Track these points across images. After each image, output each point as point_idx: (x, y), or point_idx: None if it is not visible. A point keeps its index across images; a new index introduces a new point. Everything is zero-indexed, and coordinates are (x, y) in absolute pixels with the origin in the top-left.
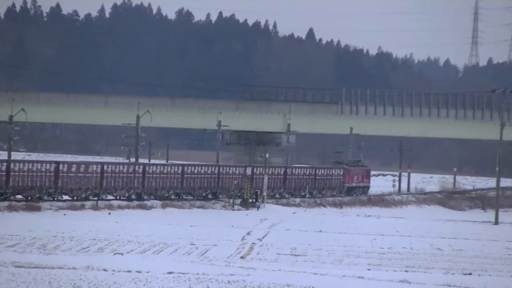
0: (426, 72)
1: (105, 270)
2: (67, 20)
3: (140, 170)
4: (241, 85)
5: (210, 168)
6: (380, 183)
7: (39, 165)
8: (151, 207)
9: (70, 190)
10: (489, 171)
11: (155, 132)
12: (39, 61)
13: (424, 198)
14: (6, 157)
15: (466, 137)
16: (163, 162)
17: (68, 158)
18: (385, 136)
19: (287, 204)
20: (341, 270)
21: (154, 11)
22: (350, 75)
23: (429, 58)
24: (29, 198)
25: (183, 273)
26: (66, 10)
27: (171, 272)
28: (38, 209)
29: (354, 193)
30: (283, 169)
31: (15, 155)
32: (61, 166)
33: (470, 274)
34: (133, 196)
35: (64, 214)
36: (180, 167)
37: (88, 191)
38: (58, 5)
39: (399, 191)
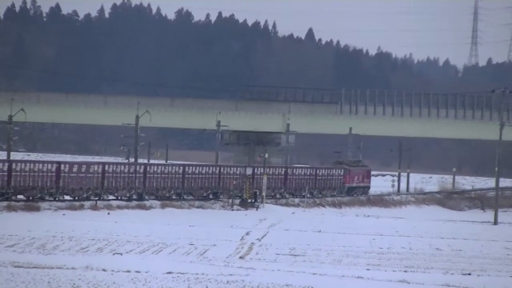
0: (426, 72)
1: (104, 270)
2: (67, 20)
3: (141, 170)
4: (240, 85)
5: (211, 168)
6: (379, 183)
7: (40, 165)
8: (150, 207)
9: (71, 190)
10: (488, 171)
11: (154, 132)
12: (39, 61)
13: (424, 198)
14: (5, 157)
15: (465, 137)
16: (162, 162)
17: (68, 158)
18: (384, 136)
19: (286, 204)
20: (340, 270)
21: (154, 11)
22: (349, 75)
23: (429, 58)
24: (30, 198)
25: (182, 273)
26: (65, 10)
27: (170, 272)
28: (37, 209)
29: (354, 193)
30: (283, 169)
31: (15, 155)
32: (62, 166)
33: (469, 274)
34: (134, 196)
35: (63, 214)
36: (181, 167)
37: (89, 191)
38: (57, 5)
39: (398, 191)
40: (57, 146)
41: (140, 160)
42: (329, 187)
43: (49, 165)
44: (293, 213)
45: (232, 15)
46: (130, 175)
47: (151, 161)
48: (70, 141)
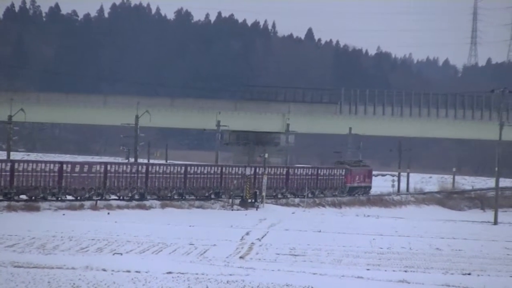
0: (425, 72)
1: (104, 270)
2: (66, 20)
3: (143, 170)
4: (240, 85)
5: (212, 168)
6: (379, 183)
7: (43, 165)
8: (150, 207)
9: (73, 190)
10: (488, 171)
11: (154, 132)
12: (39, 61)
13: (423, 198)
14: (5, 157)
15: (465, 137)
16: (162, 162)
17: (67, 158)
18: (384, 136)
19: (286, 204)
20: (340, 270)
21: (153, 11)
22: (349, 75)
23: (428, 58)
24: (33, 198)
25: (182, 273)
26: (65, 10)
27: (170, 272)
28: (37, 209)
29: (356, 193)
30: (285, 169)
31: (14, 155)
32: (65, 166)
33: (469, 274)
34: (136, 196)
35: (63, 214)
36: (183, 167)
37: (91, 191)
38: (57, 5)
39: (398, 191)
40: (57, 146)
41: (139, 160)
42: (331, 187)
43: (52, 165)
44: (293, 213)
45: (232, 15)
46: (132, 175)
47: (151, 161)
48: (70, 141)
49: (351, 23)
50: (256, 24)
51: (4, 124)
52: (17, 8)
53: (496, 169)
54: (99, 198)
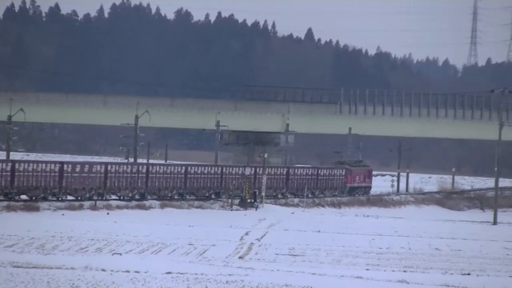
0: (425, 72)
1: (103, 270)
2: (66, 20)
3: (144, 170)
4: (240, 85)
5: (213, 168)
6: (378, 183)
7: (43, 165)
8: (149, 207)
9: (74, 190)
10: (487, 171)
11: (153, 132)
12: (38, 61)
13: (423, 198)
14: (4, 157)
15: (464, 137)
16: (162, 162)
17: (67, 158)
18: (383, 136)
19: (286, 204)
20: (339, 270)
21: (153, 11)
22: (348, 75)
23: (428, 58)
24: (33, 198)
25: (182, 273)
26: (65, 10)
27: (169, 272)
28: (37, 209)
29: (356, 193)
30: (285, 169)
31: (14, 155)
32: (65, 166)
33: (468, 274)
34: (137, 196)
35: (63, 214)
36: (184, 167)
37: (92, 191)
38: (57, 5)
39: (398, 191)
40: (57, 146)
41: (139, 160)
42: (331, 187)
43: (52, 165)
44: (293, 213)
45: (232, 15)
46: (133, 175)
47: (151, 161)
48: (69, 141)
49: (351, 23)
50: (256, 24)
51: (3, 124)
52: (17, 8)
53: (496, 169)
54: (100, 198)
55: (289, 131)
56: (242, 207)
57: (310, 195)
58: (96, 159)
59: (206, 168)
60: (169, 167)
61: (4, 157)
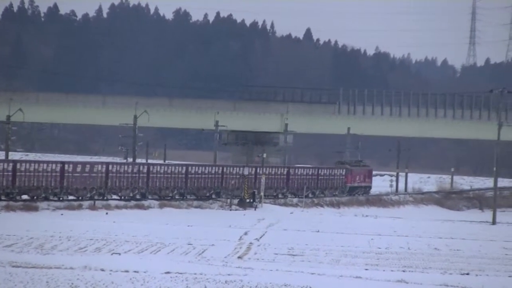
0: (424, 72)
1: (102, 270)
2: (65, 20)
3: (145, 170)
4: (239, 85)
5: (214, 168)
6: (377, 183)
7: (45, 165)
8: (148, 207)
9: (75, 190)
10: (486, 171)
11: (152, 132)
12: (37, 61)
13: (422, 198)
14: (3, 157)
15: (463, 137)
16: (161, 162)
17: (66, 158)
18: (382, 136)
19: (285, 204)
20: (338, 270)
21: (152, 11)
22: (347, 75)
23: (427, 58)
24: (35, 198)
25: (181, 273)
26: (63, 10)
27: (168, 272)
28: (36, 209)
29: (356, 193)
30: (286, 169)
31: (13, 155)
32: (66, 166)
33: (467, 274)
34: (138, 196)
35: (62, 214)
36: (184, 167)
37: (93, 191)
38: (55, 5)
39: (397, 191)
40: (56, 146)
41: (138, 160)
42: (331, 187)
43: (54, 165)
44: (292, 213)
45: (230, 15)
46: (134, 175)
47: (150, 161)
48: (69, 141)
49: (350, 23)
50: (254, 24)
51: (2, 124)
52: (15, 8)
53: (495, 169)
54: (101, 198)
55: (288, 131)
56: (241, 207)
57: (310, 195)
58: (95, 159)
59: (207, 168)
60: (170, 167)
61: (3, 157)
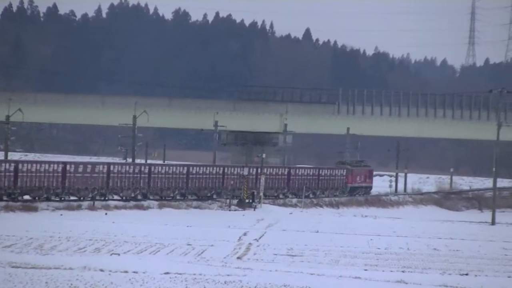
0: (423, 72)
1: (101, 270)
2: (64, 20)
3: (146, 171)
4: (238, 85)
5: (215, 168)
6: (377, 183)
7: (46, 165)
8: (148, 208)
9: (77, 190)
10: (486, 171)
11: (152, 132)
12: (36, 61)
13: (421, 198)
14: (3, 158)
15: (463, 137)
16: (160, 162)
17: (66, 158)
18: (382, 136)
19: (284, 205)
20: (337, 271)
21: (151, 11)
22: (347, 75)
23: (426, 58)
24: (36, 198)
25: (180, 274)
26: (62, 10)
27: (167, 273)
28: (35, 209)
29: (357, 193)
30: (287, 169)
31: (12, 156)
32: (68, 166)
33: (466, 274)
34: (139, 197)
35: (61, 215)
36: (185, 168)
37: (94, 191)
38: (54, 5)
39: (396, 192)
40: (55, 146)
41: (137, 161)
42: (332, 187)
43: (55, 166)
44: (291, 213)
45: (230, 15)
46: (135, 175)
47: (149, 161)
48: (68, 141)
49: (349, 23)
50: (254, 24)
51: (1, 124)
52: (14, 8)
53: (494, 169)
54: (102, 198)
55: (287, 131)
56: (241, 208)
57: (311, 195)
58: (95, 159)
59: (208, 168)
60: (171, 168)
61: (3, 158)
